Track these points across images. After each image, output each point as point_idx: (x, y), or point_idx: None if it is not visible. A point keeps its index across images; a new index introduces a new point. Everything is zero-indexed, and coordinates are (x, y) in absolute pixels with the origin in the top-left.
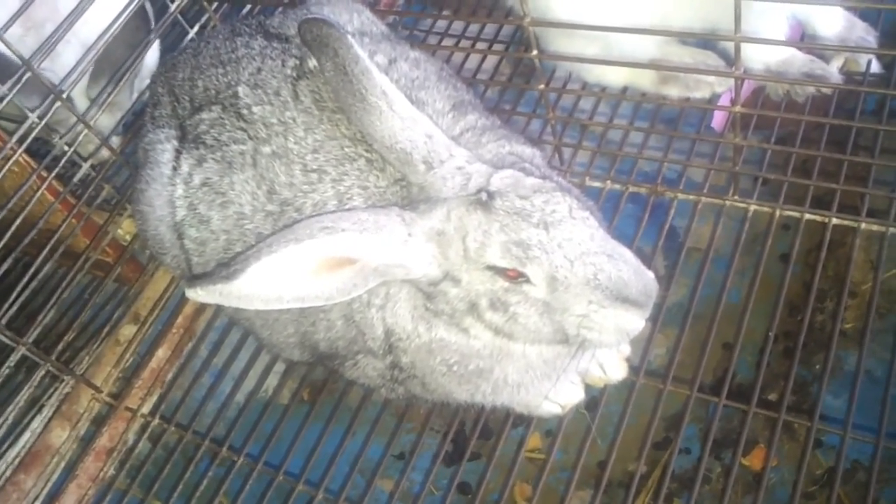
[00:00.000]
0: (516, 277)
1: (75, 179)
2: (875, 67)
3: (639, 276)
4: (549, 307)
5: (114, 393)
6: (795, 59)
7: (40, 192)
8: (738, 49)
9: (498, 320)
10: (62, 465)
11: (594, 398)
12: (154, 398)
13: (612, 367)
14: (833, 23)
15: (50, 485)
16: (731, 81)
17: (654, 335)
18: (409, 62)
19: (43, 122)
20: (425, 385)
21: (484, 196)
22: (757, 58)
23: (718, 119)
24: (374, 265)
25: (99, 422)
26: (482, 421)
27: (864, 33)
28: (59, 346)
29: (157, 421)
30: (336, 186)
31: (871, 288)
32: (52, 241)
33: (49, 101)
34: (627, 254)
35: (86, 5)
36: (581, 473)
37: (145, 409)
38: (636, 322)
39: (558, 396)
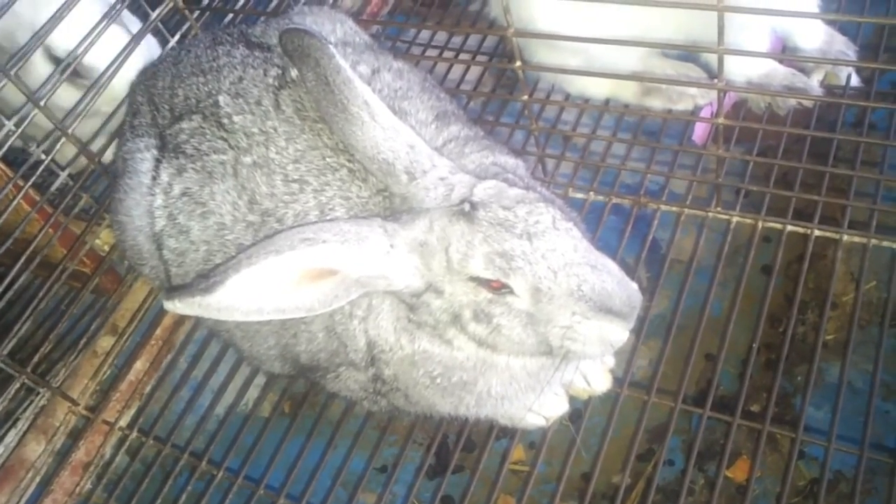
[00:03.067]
0: (500, 288)
1: (53, 188)
2: (855, 81)
3: (622, 288)
4: (533, 318)
5: (91, 406)
6: (777, 73)
7: (16, 200)
8: (721, 61)
9: (481, 332)
10: (37, 479)
11: (578, 410)
12: (132, 411)
13: (596, 378)
14: (813, 37)
15: (24, 500)
16: (713, 94)
17: (638, 347)
18: (393, 72)
19: (20, 130)
20: (408, 397)
21: (467, 207)
22: (739, 71)
23: (699, 133)
24: (356, 276)
25: (75, 435)
26: (466, 433)
27: (844, 47)
28: (35, 359)
29: (135, 434)
30: (318, 197)
31: (853, 299)
32: (29, 251)
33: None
34: (611, 265)
35: (58, 18)
36: (565, 486)
37: (123, 423)
38: (620, 333)
39: (542, 408)
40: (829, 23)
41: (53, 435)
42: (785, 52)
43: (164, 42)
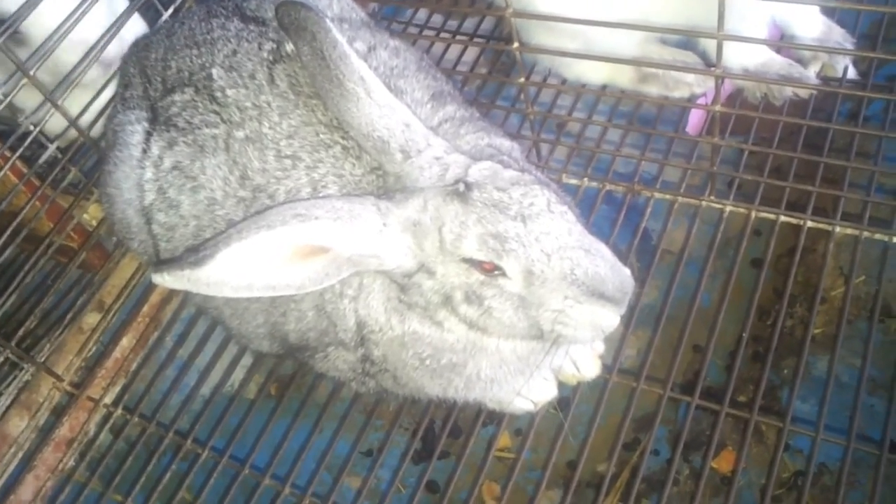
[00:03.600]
0: (492, 270)
1: (41, 161)
2: (851, 73)
3: (615, 273)
4: (525, 301)
5: (75, 382)
6: (774, 63)
7: (3, 172)
8: (720, 47)
9: (472, 314)
10: (19, 455)
11: (566, 398)
12: (117, 388)
13: (585, 364)
14: (812, 27)
15: (6, 476)
16: (710, 83)
17: (627, 336)
18: (389, 50)
19: (7, 100)
20: (397, 379)
21: (461, 187)
22: (736, 61)
23: (694, 124)
24: (348, 255)
25: (59, 411)
26: (452, 419)
27: (842, 38)
28: (20, 333)
29: (119, 412)
30: (310, 173)
31: (842, 294)
32: (15, 224)
33: (15, 78)
34: (604, 249)
35: None
36: (551, 473)
37: (108, 400)
38: (611, 318)
39: (531, 393)
40: (828, 13)
41: (37, 411)
42: (783, 41)
43: (157, 16)
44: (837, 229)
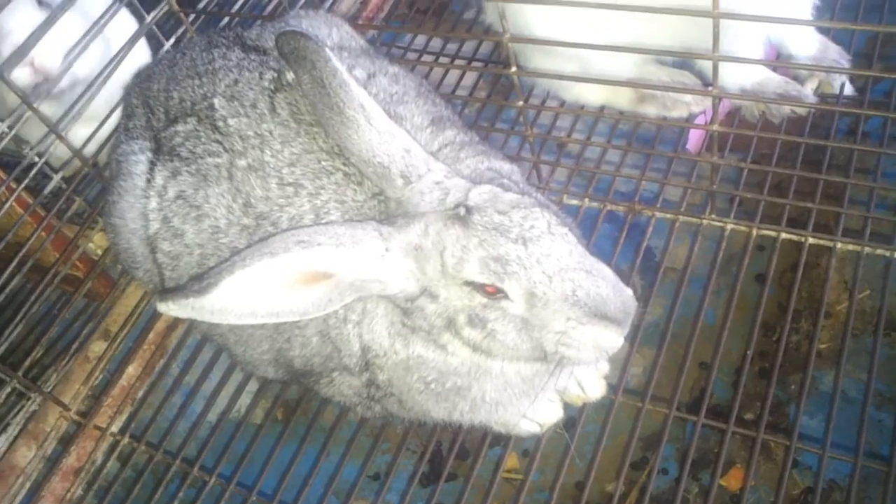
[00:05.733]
0: (494, 293)
1: (46, 191)
2: (848, 90)
3: (617, 293)
4: (528, 324)
5: (82, 411)
6: (771, 81)
7: (9, 203)
8: (716, 68)
9: (476, 337)
10: (27, 485)
11: (572, 418)
12: (124, 416)
13: (590, 385)
14: (807, 46)
15: None
16: (708, 103)
17: (632, 355)
18: (388, 77)
19: (13, 133)
20: (402, 403)
21: (462, 211)
22: (733, 80)
23: (693, 142)
24: (351, 280)
25: (66, 441)
26: (459, 441)
27: (838, 56)
28: (27, 363)
29: (126, 440)
30: (313, 200)
31: (846, 308)
32: (21, 255)
33: (20, 110)
34: (606, 270)
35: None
36: (559, 494)
37: (115, 428)
38: (615, 339)
39: (537, 415)
40: (823, 31)
41: (44, 440)
42: (779, 61)
43: (159, 45)
44: (839, 245)
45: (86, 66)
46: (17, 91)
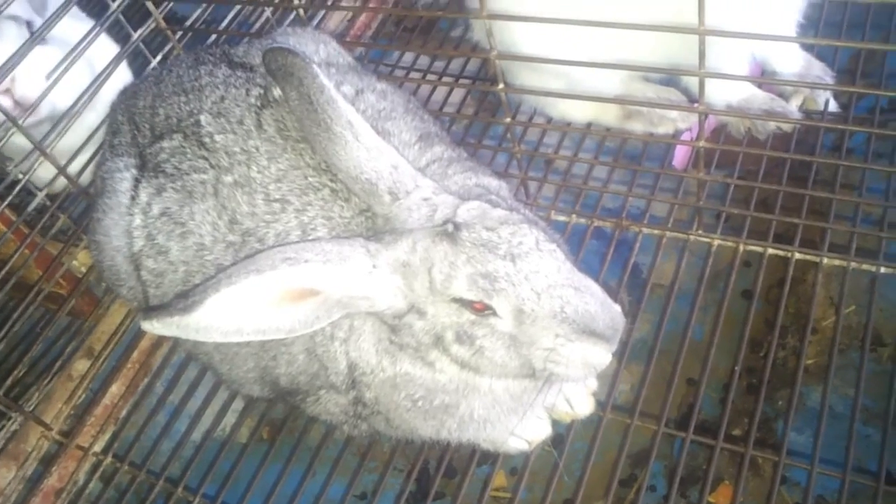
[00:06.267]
0: (483, 310)
1: (30, 208)
2: (833, 106)
3: (605, 310)
4: (516, 340)
5: (64, 431)
6: (756, 98)
7: None
8: (702, 84)
9: (464, 354)
10: None
11: (560, 435)
12: (107, 436)
13: (579, 401)
14: (792, 63)
15: None
16: (694, 119)
17: (620, 371)
18: (376, 93)
19: None
20: (389, 421)
21: (450, 227)
22: (719, 97)
23: (680, 159)
24: (338, 297)
25: (48, 461)
26: (447, 459)
27: (822, 72)
28: (8, 382)
29: (109, 460)
30: (299, 216)
31: (833, 324)
32: (4, 272)
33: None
34: (594, 287)
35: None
36: None
37: (97, 448)
38: (603, 356)
39: (525, 432)
40: (807, 48)
41: (25, 461)
42: (764, 77)
43: (145, 63)
44: (825, 261)
45: (67, 96)
46: (1, 110)
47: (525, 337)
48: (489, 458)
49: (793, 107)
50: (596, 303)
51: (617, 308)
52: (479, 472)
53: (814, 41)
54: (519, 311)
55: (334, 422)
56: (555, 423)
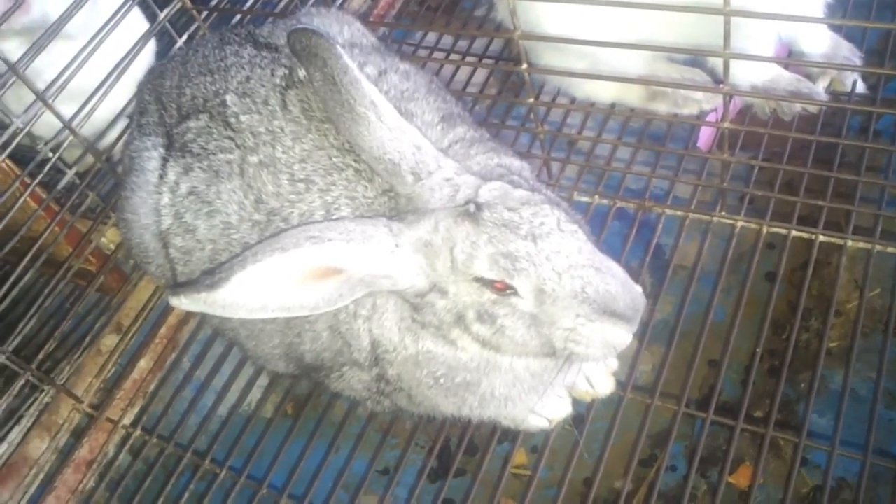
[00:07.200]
0: (504, 290)
1: (59, 186)
2: (860, 87)
3: (626, 290)
4: (537, 320)
5: (94, 404)
6: (782, 79)
7: (23, 198)
8: (726, 65)
9: (485, 332)
10: (40, 476)
11: (581, 414)
12: (135, 409)
13: (599, 381)
14: (819, 43)
15: (28, 497)
16: (719, 100)
17: (641, 352)
18: (399, 74)
19: (27, 128)
20: (411, 398)
21: (472, 207)
22: (744, 78)
23: (704, 139)
24: (361, 275)
25: (79, 433)
26: (468, 436)
27: (850, 53)
28: (40, 356)
29: (138, 433)
30: (323, 196)
31: (856, 307)
32: (35, 249)
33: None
34: (615, 267)
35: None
36: (567, 491)
37: (126, 421)
38: (624, 336)
39: (545, 410)
40: (835, 29)
41: (57, 432)
42: (790, 58)
43: (171, 43)
44: (850, 243)
45: (59, 4)
46: (31, 87)
47: (546, 317)
48: (510, 436)
49: (819, 88)
50: (617, 283)
51: (638, 289)
52: (499, 449)
53: (842, 22)
54: (540, 291)
55: (357, 398)
56: (575, 403)
